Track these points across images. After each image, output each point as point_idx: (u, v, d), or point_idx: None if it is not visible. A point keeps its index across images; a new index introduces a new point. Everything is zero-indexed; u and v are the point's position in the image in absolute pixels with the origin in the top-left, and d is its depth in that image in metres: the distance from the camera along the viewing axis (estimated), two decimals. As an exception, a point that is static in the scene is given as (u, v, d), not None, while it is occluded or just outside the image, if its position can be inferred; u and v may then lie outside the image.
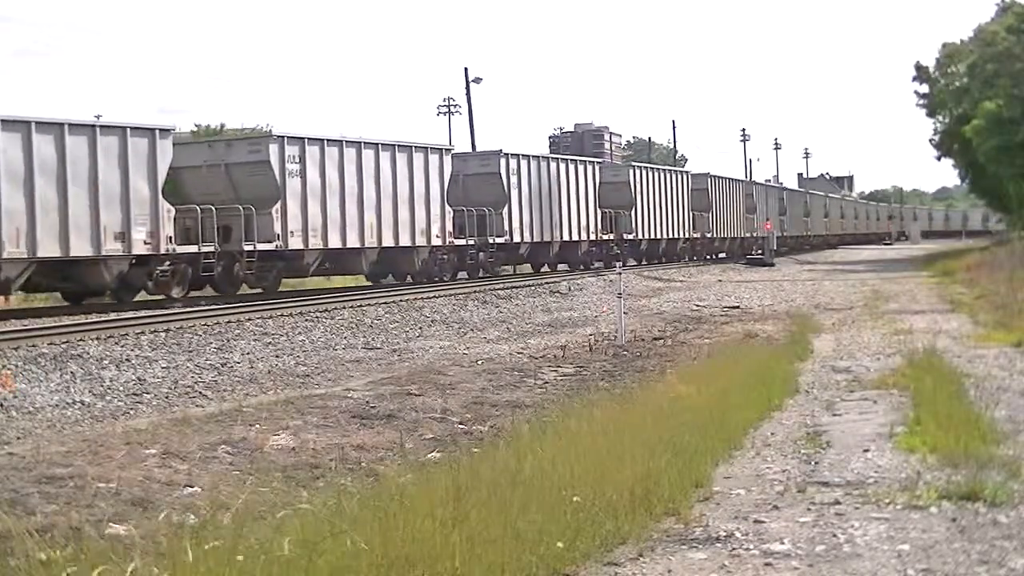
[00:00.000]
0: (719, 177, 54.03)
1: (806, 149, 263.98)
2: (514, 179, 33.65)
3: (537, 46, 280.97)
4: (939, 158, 56.63)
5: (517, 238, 33.84)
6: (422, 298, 24.14)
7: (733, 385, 10.44)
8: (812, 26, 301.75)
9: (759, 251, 54.38)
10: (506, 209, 33.07)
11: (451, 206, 30.54)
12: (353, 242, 27.11)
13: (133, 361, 14.50)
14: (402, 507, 5.48)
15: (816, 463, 7.67)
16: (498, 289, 27.38)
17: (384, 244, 27.99)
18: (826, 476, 7.23)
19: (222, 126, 50.46)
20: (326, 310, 21.05)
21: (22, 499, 6.98)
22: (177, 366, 14.43)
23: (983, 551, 5.44)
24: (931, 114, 53.57)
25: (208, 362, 14.92)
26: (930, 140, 55.96)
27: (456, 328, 20.32)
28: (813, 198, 77.04)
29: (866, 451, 7.93)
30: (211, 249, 23.71)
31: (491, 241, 32.53)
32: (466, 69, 64.92)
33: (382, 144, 28.43)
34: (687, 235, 47.06)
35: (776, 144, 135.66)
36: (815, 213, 74.97)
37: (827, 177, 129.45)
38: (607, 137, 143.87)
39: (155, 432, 9.37)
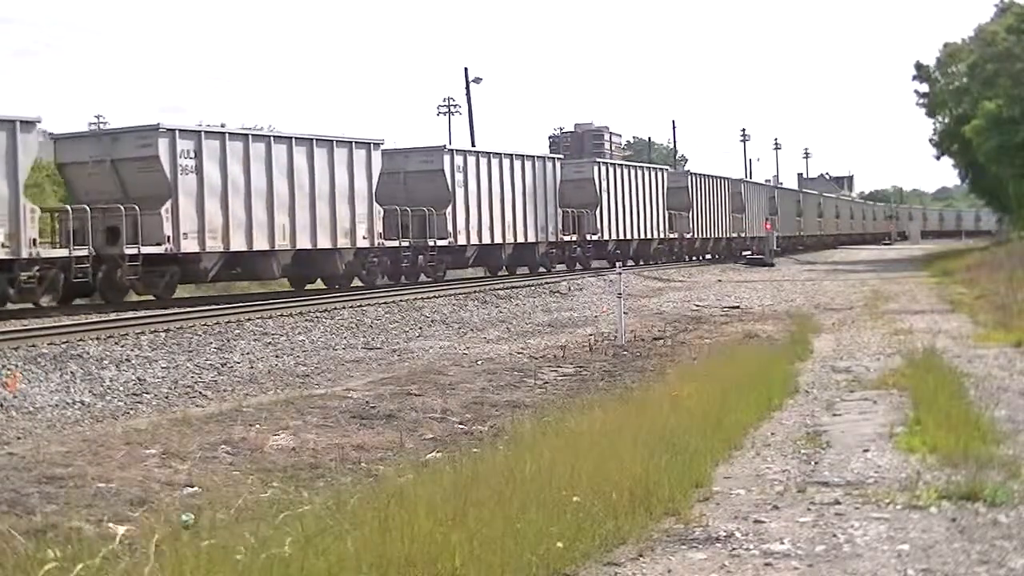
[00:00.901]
0: (700, 175, 51.63)
1: (806, 149, 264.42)
2: (459, 177, 31.24)
3: (537, 46, 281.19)
4: (939, 158, 56.70)
5: (462, 240, 31.36)
6: (422, 298, 24.14)
7: (733, 385, 10.43)
8: (812, 26, 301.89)
9: (751, 252, 53.89)
10: (449, 209, 30.68)
11: (387, 205, 28.29)
12: (261, 244, 24.48)
13: (133, 361, 14.50)
14: (402, 507, 5.49)
15: (816, 463, 7.67)
16: (498, 289, 27.38)
17: (299, 246, 25.50)
18: (826, 476, 7.23)
19: (222, 125, 50.35)
20: (326, 310, 21.05)
21: (22, 499, 6.98)
22: (177, 366, 14.43)
23: (983, 551, 5.44)
24: (931, 114, 53.61)
25: (208, 362, 14.92)
26: (930, 140, 56.06)
27: (456, 328, 20.32)
28: (807, 197, 76.32)
29: (866, 451, 7.93)
30: (84, 253, 21.21)
31: (432, 243, 30.07)
32: (466, 69, 64.85)
33: (296, 138, 25.84)
34: (663, 235, 44.36)
35: (776, 144, 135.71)
36: (808, 213, 73.89)
37: (827, 177, 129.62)
38: (607, 137, 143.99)
39: (155, 432, 9.37)
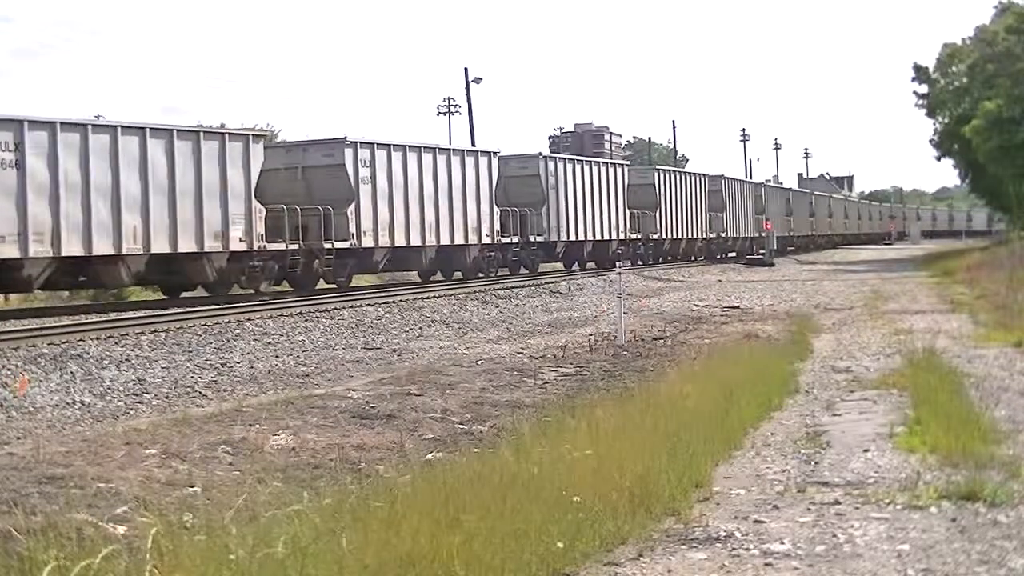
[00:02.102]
0: (668, 170, 48.83)
1: (806, 149, 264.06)
2: (365, 172, 28.02)
3: (537, 46, 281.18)
4: (939, 158, 56.70)
5: (369, 242, 28.03)
6: (422, 298, 24.15)
7: (733, 385, 10.43)
8: (812, 26, 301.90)
9: (742, 254, 53.74)
10: (352, 208, 27.56)
11: (280, 204, 25.96)
12: (104, 248, 21.69)
13: (133, 361, 14.50)
14: (402, 507, 5.49)
15: (816, 463, 7.67)
16: (498, 289, 27.40)
17: (154, 250, 22.68)
18: (826, 476, 7.23)
19: (222, 126, 50.38)
20: (326, 310, 21.05)
21: (22, 499, 6.97)
22: (177, 366, 14.43)
23: (983, 551, 5.44)
24: (931, 114, 53.60)
25: (208, 362, 14.92)
26: (930, 140, 56.03)
27: (456, 328, 20.32)
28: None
29: (866, 451, 7.93)
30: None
31: (327, 246, 26.77)
32: (466, 69, 64.91)
33: (152, 128, 23.06)
34: (623, 236, 41.15)
35: (776, 144, 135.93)
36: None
37: (827, 177, 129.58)
38: (607, 137, 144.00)
39: (155, 432, 9.36)
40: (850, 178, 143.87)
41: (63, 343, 15.13)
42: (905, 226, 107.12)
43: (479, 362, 14.93)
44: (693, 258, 48.51)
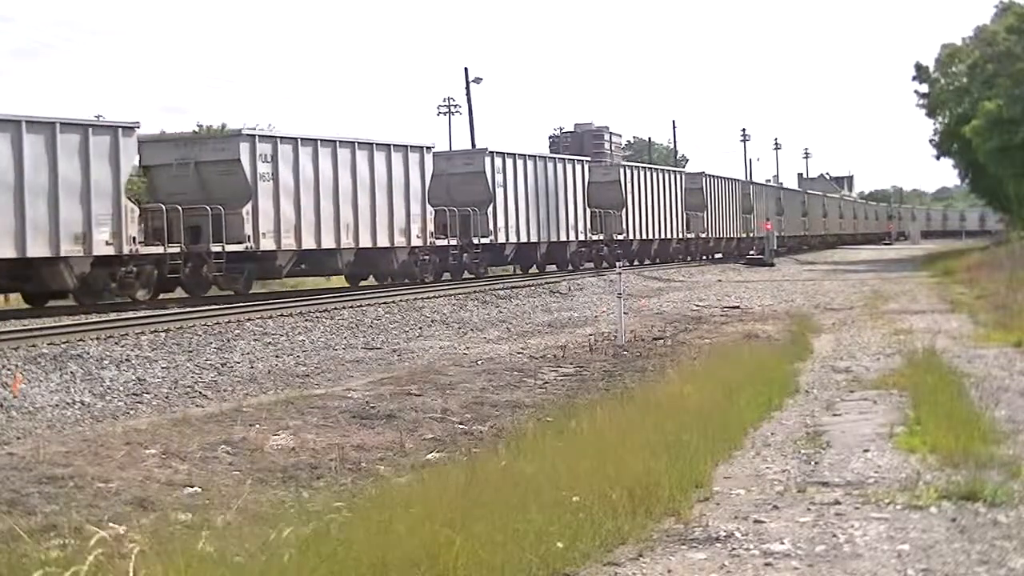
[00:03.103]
0: (636, 166, 45.70)
1: (806, 149, 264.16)
2: (265, 168, 25.11)
3: (537, 46, 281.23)
4: (939, 158, 56.71)
5: (269, 244, 25.16)
6: (422, 298, 24.15)
7: (733, 385, 10.43)
8: (812, 26, 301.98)
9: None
10: (248, 207, 24.59)
11: (161, 203, 23.84)
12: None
13: (133, 361, 14.50)
14: (403, 507, 5.49)
15: (816, 463, 7.67)
16: (498, 289, 27.39)
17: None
18: (826, 476, 7.23)
19: (223, 126, 50.38)
20: (326, 310, 21.05)
21: (22, 499, 6.98)
22: (177, 366, 14.43)
23: (983, 551, 5.44)
24: (931, 114, 53.61)
25: (208, 362, 14.92)
26: (930, 140, 56.06)
27: (456, 328, 20.32)
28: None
29: (866, 451, 7.93)
30: None
31: (216, 249, 23.86)
32: (466, 69, 64.82)
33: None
34: (585, 237, 38.32)
35: (776, 144, 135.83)
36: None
37: (827, 177, 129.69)
38: (607, 137, 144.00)
39: (155, 432, 9.36)
40: (850, 178, 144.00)
41: (63, 343, 15.13)
42: (901, 226, 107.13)
43: (479, 362, 14.93)
44: (671, 260, 45.59)
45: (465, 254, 32.00)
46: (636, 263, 41.81)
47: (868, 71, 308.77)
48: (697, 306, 25.04)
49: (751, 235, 56.10)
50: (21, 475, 7.63)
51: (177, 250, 23.16)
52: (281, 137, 26.05)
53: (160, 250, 22.87)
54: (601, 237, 39.69)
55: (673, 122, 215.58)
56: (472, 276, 32.18)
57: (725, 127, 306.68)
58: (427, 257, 30.06)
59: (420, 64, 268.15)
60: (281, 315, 19.83)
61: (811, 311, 22.42)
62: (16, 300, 24.30)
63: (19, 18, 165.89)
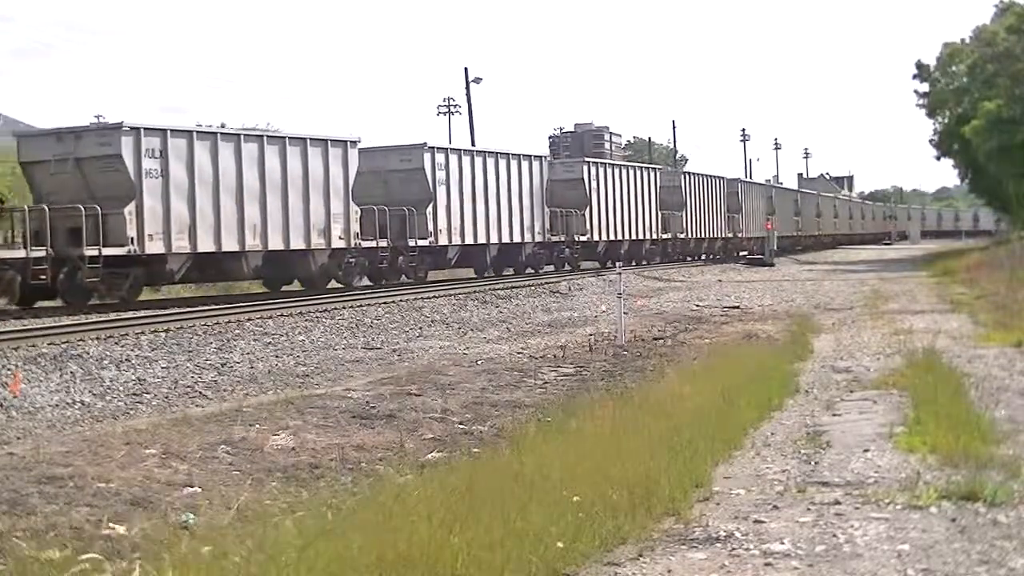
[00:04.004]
0: (599, 163, 42.88)
1: (806, 149, 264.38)
2: (151, 164, 22.71)
3: (537, 46, 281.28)
4: (939, 158, 56.71)
5: (156, 248, 22.68)
6: (422, 298, 24.15)
7: (733, 385, 10.43)
8: (812, 26, 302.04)
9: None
10: (132, 207, 22.34)
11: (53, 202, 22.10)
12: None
13: (133, 361, 14.50)
14: (402, 507, 5.49)
15: (816, 463, 7.67)
16: (498, 289, 27.39)
17: None
18: (826, 476, 7.23)
19: (222, 126, 50.41)
20: (326, 310, 21.06)
21: (22, 499, 6.98)
22: (177, 366, 14.43)
23: (983, 551, 5.44)
24: (931, 114, 53.61)
25: (208, 362, 14.92)
26: (930, 140, 56.05)
27: (456, 328, 20.32)
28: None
29: (866, 451, 7.93)
30: None
31: (89, 254, 21.59)
32: (466, 69, 64.79)
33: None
34: (543, 238, 35.94)
35: (776, 144, 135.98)
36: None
37: (827, 177, 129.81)
38: (607, 137, 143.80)
39: (155, 432, 9.36)
40: (850, 178, 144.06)
41: (63, 343, 15.14)
42: (900, 226, 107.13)
43: (479, 362, 14.93)
44: (646, 262, 43.15)
45: (400, 257, 29.47)
46: (610, 265, 38.47)
47: (868, 71, 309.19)
48: (697, 306, 25.04)
49: (739, 235, 53.95)
50: (21, 475, 7.63)
51: (42, 254, 20.91)
52: (173, 130, 23.66)
53: (21, 254, 20.85)
54: (562, 238, 37.22)
55: (673, 122, 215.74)
56: (411, 281, 29.84)
57: (725, 127, 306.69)
58: (353, 260, 27.68)
59: (420, 64, 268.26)
60: (281, 315, 19.84)
61: (811, 311, 22.42)
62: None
63: (19, 18, 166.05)
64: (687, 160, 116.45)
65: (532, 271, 35.39)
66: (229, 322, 18.46)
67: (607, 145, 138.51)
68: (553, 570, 5.14)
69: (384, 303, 22.82)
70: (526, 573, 5.00)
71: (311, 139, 26.76)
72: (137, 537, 5.74)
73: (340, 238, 27.03)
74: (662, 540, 5.78)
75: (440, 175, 30.82)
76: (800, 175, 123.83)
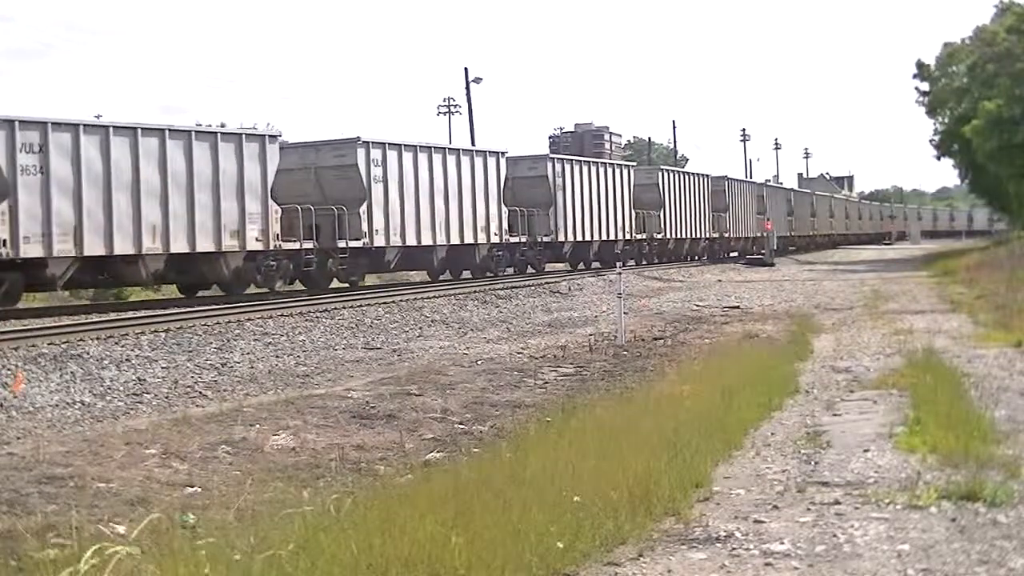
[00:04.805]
0: (565, 159, 39.92)
1: (806, 149, 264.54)
2: (28, 160, 20.62)
3: (537, 46, 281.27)
4: (939, 157, 56.73)
5: (34, 251, 20.65)
6: (422, 298, 24.16)
7: (733, 385, 10.44)
8: (812, 26, 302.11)
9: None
10: (4, 207, 20.34)
11: None
12: None
13: (133, 361, 14.50)
14: (403, 507, 5.49)
15: (816, 463, 7.67)
16: (498, 289, 27.39)
17: None
18: (826, 476, 7.23)
19: (222, 125, 50.44)
20: (326, 310, 21.06)
21: (22, 499, 6.98)
22: (177, 366, 14.44)
23: (983, 551, 5.44)
24: (931, 113, 53.65)
25: (208, 362, 14.92)
26: (930, 140, 56.09)
27: (456, 328, 20.32)
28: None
29: (866, 451, 7.93)
30: None
31: None
32: (466, 69, 64.81)
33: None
34: (501, 239, 33.49)
35: (776, 144, 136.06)
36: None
37: (827, 177, 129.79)
38: (607, 137, 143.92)
39: (155, 432, 9.37)
40: (850, 178, 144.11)
41: (63, 343, 15.14)
42: (899, 226, 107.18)
43: (479, 362, 14.93)
44: (618, 264, 39.57)
45: (331, 259, 27.44)
46: (581, 268, 38.82)
47: (868, 70, 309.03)
48: (697, 306, 25.05)
49: (726, 236, 52.05)
50: (21, 475, 7.63)
51: None
52: (55, 123, 21.39)
53: None
54: (523, 239, 34.97)
55: (673, 122, 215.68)
56: (345, 285, 28.12)
57: (725, 127, 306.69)
58: (273, 263, 25.46)
59: (420, 64, 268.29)
60: (281, 315, 19.84)
61: (811, 311, 22.43)
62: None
63: (19, 18, 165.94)
64: (687, 160, 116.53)
65: (491, 274, 32.79)
66: (229, 322, 18.46)
67: (607, 145, 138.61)
68: (553, 570, 5.14)
69: (384, 303, 22.83)
70: (526, 573, 5.00)
71: (222, 133, 25.10)
72: (137, 537, 5.74)
73: (257, 240, 24.87)
74: (662, 540, 5.78)
75: (376, 172, 28.55)
76: (800, 175, 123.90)
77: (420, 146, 30.38)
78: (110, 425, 10.32)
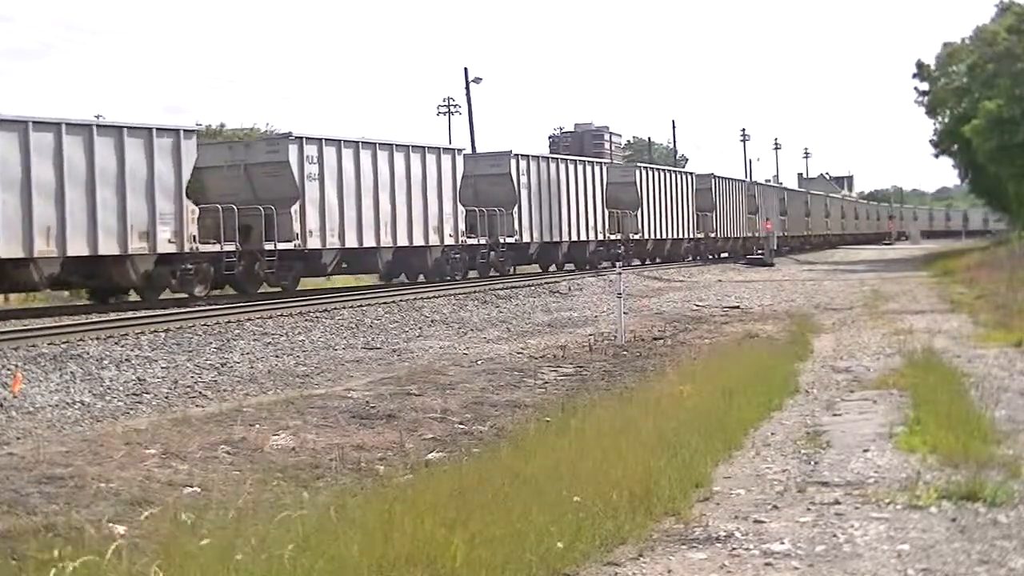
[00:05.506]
0: (530, 156, 36.45)
1: (806, 149, 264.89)
2: None
3: (537, 46, 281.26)
4: (938, 157, 56.76)
5: None
6: (422, 298, 24.15)
7: (733, 385, 10.43)
8: (812, 26, 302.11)
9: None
10: None
11: None
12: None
13: (133, 361, 14.50)
14: (403, 507, 5.49)
15: (816, 463, 7.67)
16: (498, 289, 27.38)
17: None
18: (826, 476, 7.23)
19: (222, 125, 50.40)
20: (326, 310, 21.06)
21: (22, 499, 6.98)
22: (177, 366, 14.43)
23: (983, 551, 5.44)
24: (931, 113, 53.67)
25: (208, 362, 14.92)
26: (930, 140, 56.12)
27: (456, 328, 20.32)
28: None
29: (866, 451, 7.93)
30: None
31: None
32: (466, 69, 64.74)
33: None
34: (457, 240, 31.44)
35: (776, 144, 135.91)
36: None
37: (827, 177, 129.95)
38: (607, 137, 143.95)
39: (155, 432, 9.37)
40: (850, 178, 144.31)
41: (63, 343, 15.14)
42: (899, 226, 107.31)
43: (479, 362, 14.93)
44: (589, 266, 38.35)
45: (257, 262, 25.55)
46: (559, 270, 37.40)
47: (868, 70, 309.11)
48: (697, 306, 25.05)
49: (712, 236, 50.35)
50: (21, 475, 7.63)
51: None
52: None
53: None
54: (483, 240, 32.87)
55: (673, 122, 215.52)
56: (277, 289, 26.39)
57: (725, 127, 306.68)
58: (191, 267, 23.71)
59: (420, 64, 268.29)
60: (281, 315, 19.85)
61: (811, 311, 22.43)
62: (16, 300, 24.33)
63: (19, 18, 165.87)
64: (687, 160, 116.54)
65: (450, 279, 30.84)
66: (229, 322, 18.46)
67: (607, 145, 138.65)
68: (553, 570, 5.15)
69: (384, 303, 22.82)
70: (526, 573, 5.00)
71: (129, 127, 22.81)
72: (137, 537, 5.74)
73: (170, 242, 23.08)
74: (662, 540, 5.78)
75: (311, 169, 26.62)
76: (800, 175, 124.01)
77: (363, 142, 28.57)
78: (110, 425, 10.32)
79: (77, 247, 21.35)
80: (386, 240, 28.72)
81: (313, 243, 26.51)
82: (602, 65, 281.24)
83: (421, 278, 30.64)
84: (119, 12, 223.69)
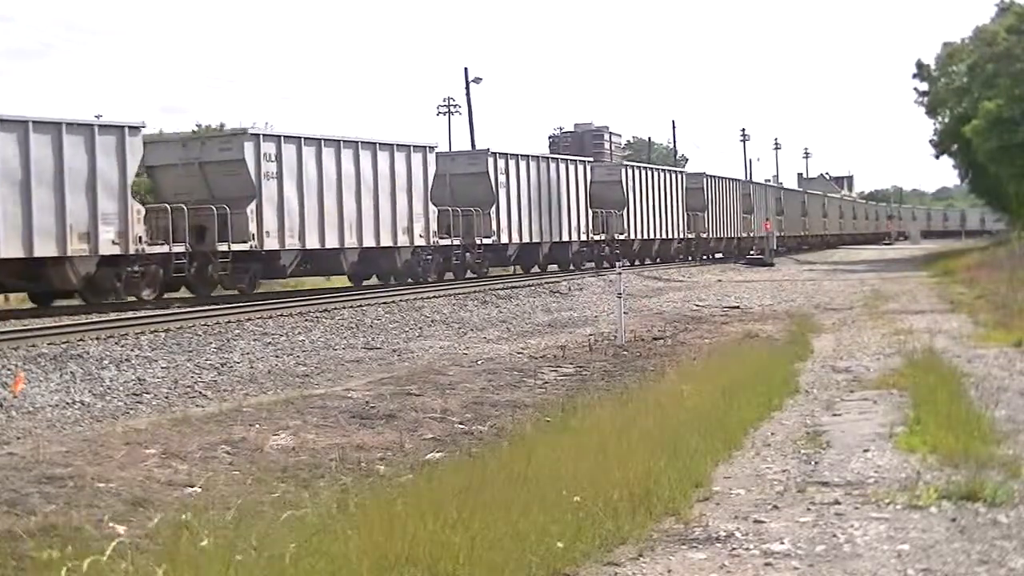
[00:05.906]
0: (510, 154, 35.33)
1: (806, 149, 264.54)
2: None
3: (537, 46, 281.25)
4: (938, 157, 56.75)
5: None
6: (422, 298, 24.16)
7: (733, 385, 10.44)
8: (812, 26, 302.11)
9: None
10: None
11: None
12: None
13: (133, 361, 14.50)
14: (404, 507, 5.49)
15: (816, 463, 7.67)
16: (498, 289, 27.38)
17: None
18: (826, 476, 7.23)
19: (221, 125, 50.34)
20: (326, 310, 21.07)
21: (22, 499, 6.98)
22: (177, 366, 14.43)
23: (983, 551, 5.44)
24: (931, 113, 53.68)
25: (208, 362, 14.92)
26: (930, 140, 56.13)
27: (456, 328, 20.32)
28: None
29: (866, 451, 7.93)
30: None
31: None
32: (466, 69, 64.80)
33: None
34: (428, 241, 30.50)
35: (776, 144, 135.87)
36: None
37: (827, 177, 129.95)
38: (607, 137, 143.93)
39: (155, 432, 9.36)
40: (850, 178, 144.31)
41: (63, 343, 15.14)
42: (900, 226, 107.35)
43: (479, 362, 14.93)
44: (572, 267, 37.61)
45: (210, 264, 24.65)
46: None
47: (868, 71, 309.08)
48: (697, 306, 25.06)
49: (703, 236, 49.60)
50: (21, 475, 7.63)
51: None
52: None
53: None
54: (458, 241, 31.93)
55: (673, 122, 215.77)
56: (234, 292, 25.27)
57: (725, 127, 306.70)
58: (139, 269, 22.84)
59: (420, 64, 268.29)
60: (281, 315, 19.85)
61: (811, 311, 22.44)
62: (16, 300, 24.32)
63: (19, 18, 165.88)
64: (687, 160, 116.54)
65: (424, 280, 29.96)
66: (229, 322, 18.47)
67: (607, 145, 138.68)
68: (553, 570, 5.15)
69: (384, 303, 22.83)
70: (526, 573, 5.00)
71: (68, 124, 21.57)
72: (137, 537, 5.74)
73: (114, 243, 22.04)
74: (662, 540, 5.78)
75: (269, 167, 25.50)
76: (800, 175, 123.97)
77: (325, 139, 27.37)
78: (110, 425, 10.31)
79: (11, 249, 20.41)
80: (351, 241, 27.68)
81: (271, 244, 25.53)
82: (602, 65, 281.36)
83: (379, 279, 29.92)
84: (119, 12, 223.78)
